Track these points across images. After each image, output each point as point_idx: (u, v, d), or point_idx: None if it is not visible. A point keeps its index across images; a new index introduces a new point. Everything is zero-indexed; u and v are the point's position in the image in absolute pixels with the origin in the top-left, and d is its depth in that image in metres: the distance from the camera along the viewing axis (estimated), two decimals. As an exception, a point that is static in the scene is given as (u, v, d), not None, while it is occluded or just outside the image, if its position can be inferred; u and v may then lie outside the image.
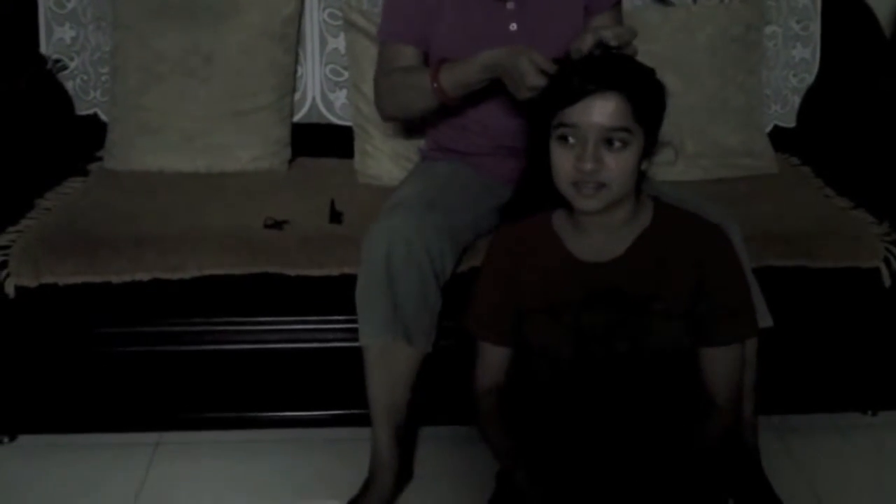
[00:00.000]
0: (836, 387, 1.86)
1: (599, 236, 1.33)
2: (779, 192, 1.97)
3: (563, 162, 1.27)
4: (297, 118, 2.13)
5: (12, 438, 1.82)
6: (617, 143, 1.25)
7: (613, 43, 1.33)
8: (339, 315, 1.68)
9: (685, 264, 1.30)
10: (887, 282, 1.74)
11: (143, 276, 1.66)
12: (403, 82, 1.68)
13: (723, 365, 1.33)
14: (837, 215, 1.87)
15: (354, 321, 1.55)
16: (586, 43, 1.34)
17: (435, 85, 1.60)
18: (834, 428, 1.88)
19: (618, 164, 1.25)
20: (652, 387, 1.32)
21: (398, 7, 1.74)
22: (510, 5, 1.69)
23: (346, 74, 2.11)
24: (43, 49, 2.09)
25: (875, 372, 1.84)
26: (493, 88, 1.59)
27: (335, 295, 1.64)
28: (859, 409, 1.91)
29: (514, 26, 1.68)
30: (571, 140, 1.26)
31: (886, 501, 1.71)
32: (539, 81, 1.38)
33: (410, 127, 1.94)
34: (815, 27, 2.19)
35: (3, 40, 2.05)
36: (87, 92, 2.12)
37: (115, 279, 1.66)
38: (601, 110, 1.23)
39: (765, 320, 1.55)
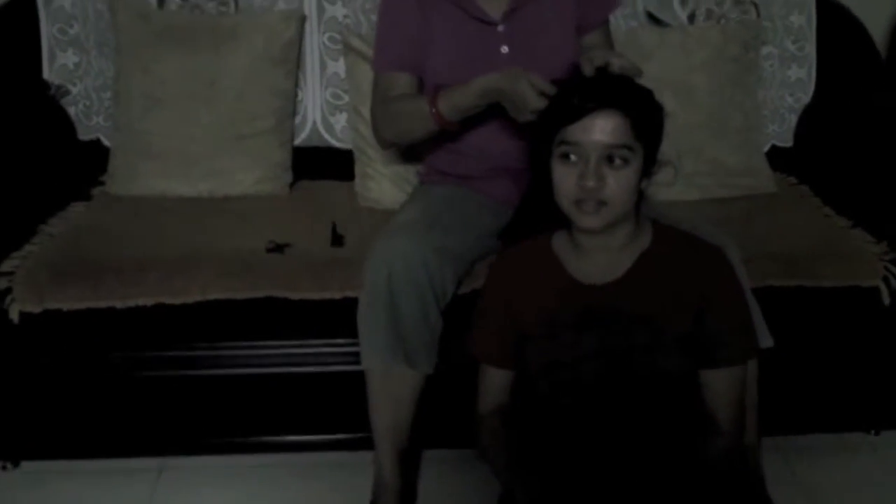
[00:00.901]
0: (838, 406, 1.85)
1: (600, 258, 1.34)
2: (777, 211, 1.97)
3: (564, 179, 1.28)
4: (297, 142, 2.14)
5: (16, 465, 1.82)
6: (618, 161, 1.26)
7: (617, 72, 1.35)
8: (342, 338, 1.68)
9: (685, 286, 1.31)
10: (887, 300, 1.74)
11: (147, 301, 1.66)
12: (401, 110, 1.70)
13: (724, 386, 1.33)
14: (836, 234, 1.87)
15: (356, 344, 1.56)
16: (596, 63, 1.36)
17: (433, 111, 1.61)
18: (837, 448, 1.88)
19: (618, 182, 1.26)
20: (653, 408, 1.33)
21: (390, 37, 1.76)
22: (501, 28, 1.70)
23: (346, 98, 2.12)
24: (46, 75, 2.11)
25: (877, 391, 1.84)
26: (488, 111, 1.61)
27: (337, 318, 1.64)
28: (862, 428, 1.91)
29: (505, 49, 1.70)
30: (573, 158, 1.27)
31: (890, 520, 1.72)
32: (540, 104, 1.40)
33: (410, 150, 1.95)
34: (811, 47, 2.21)
35: (6, 66, 2.06)
36: (89, 117, 2.13)
37: (118, 304, 1.66)
38: (602, 128, 1.25)
39: (766, 341, 1.56)
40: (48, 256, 1.73)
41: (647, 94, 1.32)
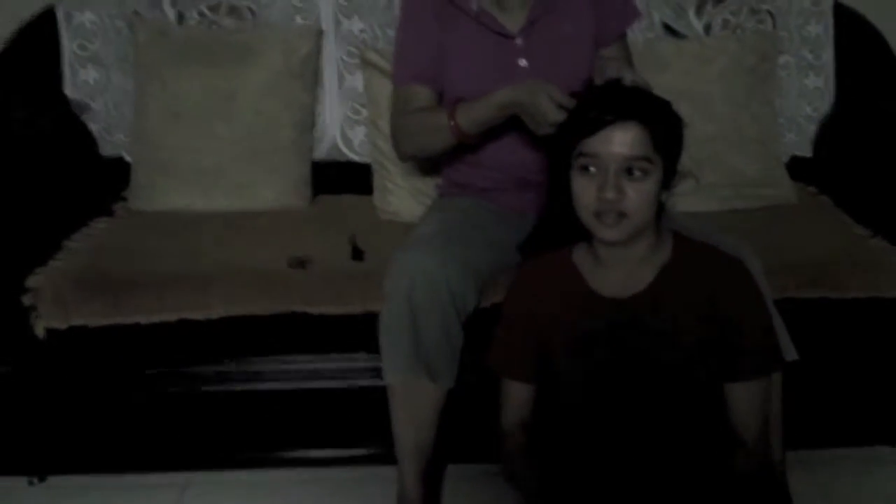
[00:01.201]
0: (863, 419, 1.84)
1: (621, 271, 1.34)
2: (798, 221, 1.97)
3: (584, 192, 1.28)
4: (316, 156, 2.15)
5: (42, 479, 1.83)
6: (637, 173, 1.26)
7: (629, 85, 1.36)
8: (363, 353, 1.69)
9: (707, 299, 1.31)
10: (910, 311, 1.73)
11: (170, 317, 1.67)
12: (421, 123, 1.71)
13: (749, 400, 1.33)
14: (858, 244, 1.86)
15: (378, 359, 1.56)
16: (608, 76, 1.37)
17: (452, 124, 1.62)
18: (863, 461, 1.86)
19: (638, 194, 1.26)
20: (678, 422, 1.33)
21: (410, 50, 1.77)
22: (518, 41, 1.71)
23: (365, 112, 2.13)
24: (67, 91, 2.13)
25: (901, 403, 1.83)
26: (506, 124, 1.62)
27: (359, 333, 1.65)
28: (888, 442, 1.88)
29: (523, 62, 1.70)
30: (592, 170, 1.27)
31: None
32: (560, 117, 1.40)
33: (429, 163, 1.96)
34: (829, 56, 2.20)
35: (28, 83, 2.09)
36: (111, 133, 2.15)
37: (142, 320, 1.67)
38: (621, 140, 1.25)
39: (790, 353, 1.55)
40: (73, 273, 1.74)
41: (665, 106, 1.33)
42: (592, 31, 1.74)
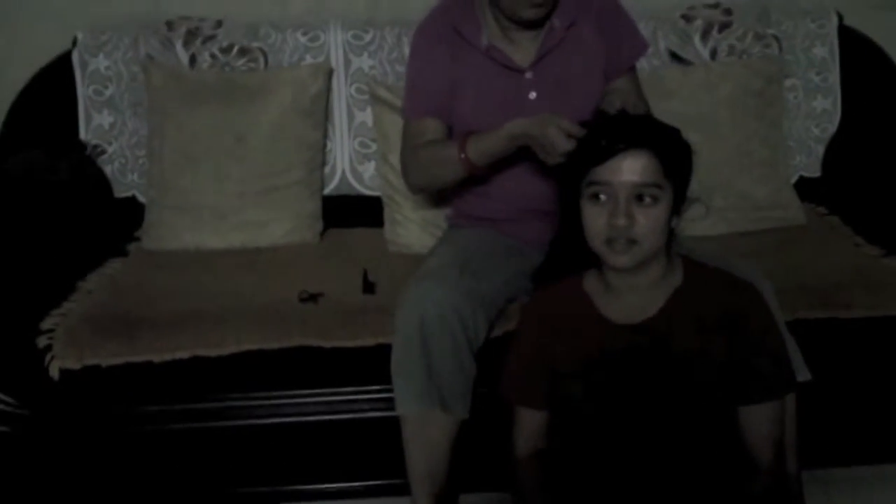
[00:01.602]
0: (877, 438, 1.82)
1: (632, 297, 1.34)
2: (808, 242, 1.97)
3: (595, 220, 1.29)
4: (327, 191, 2.18)
5: (59, 520, 1.83)
6: (647, 199, 1.27)
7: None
8: (375, 385, 1.69)
9: (719, 323, 1.30)
10: (922, 330, 1.72)
11: (183, 355, 1.68)
12: (431, 156, 1.72)
13: (763, 422, 1.32)
14: (868, 264, 1.86)
15: (390, 391, 1.56)
16: (614, 108, 1.40)
17: (462, 156, 1.63)
18: (877, 479, 1.85)
19: (648, 221, 1.27)
20: (693, 446, 1.31)
21: (421, 84, 1.78)
22: (528, 75, 1.72)
23: (374, 146, 2.15)
24: (83, 135, 2.17)
25: (915, 422, 1.81)
26: (516, 154, 1.63)
27: (371, 365, 1.65)
28: (902, 459, 1.88)
29: (533, 94, 1.72)
30: (603, 198, 1.28)
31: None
32: (569, 146, 1.41)
33: (439, 194, 1.97)
34: (835, 78, 2.21)
35: (46, 128, 2.13)
36: (125, 175, 2.18)
37: (155, 358, 1.68)
38: (631, 167, 1.26)
39: (803, 374, 1.54)
40: (87, 313, 1.76)
41: (674, 133, 1.33)
42: (602, 64, 1.75)
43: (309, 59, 2.17)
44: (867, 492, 1.82)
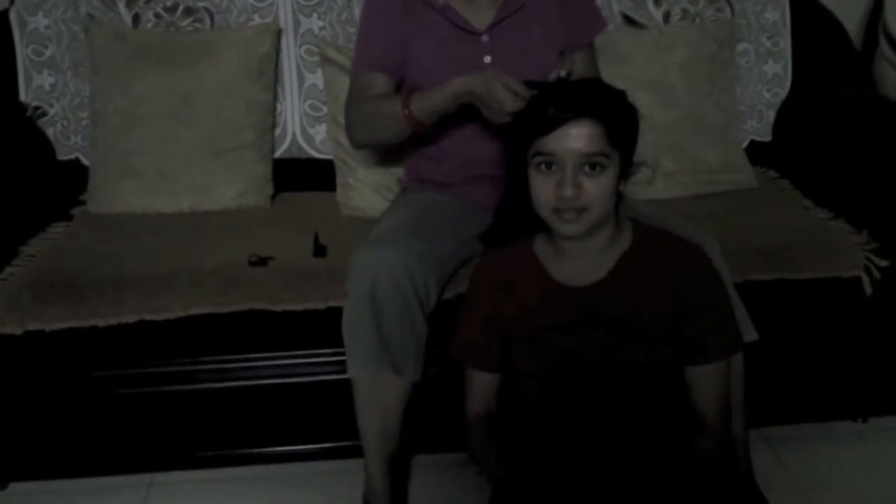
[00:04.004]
0: (824, 396, 1.87)
1: (581, 260, 1.34)
2: (758, 206, 1.98)
3: (542, 189, 1.29)
4: (278, 154, 2.15)
5: (3, 486, 1.81)
6: (595, 168, 1.26)
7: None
8: (327, 348, 1.68)
9: (666, 285, 1.31)
10: (868, 290, 1.75)
11: (130, 319, 1.65)
12: (375, 110, 1.70)
13: (710, 382, 1.33)
14: (817, 226, 1.88)
15: (342, 354, 1.56)
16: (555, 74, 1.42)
17: (406, 111, 1.61)
18: (825, 437, 1.89)
19: (597, 188, 1.27)
20: (640, 405, 1.33)
21: (371, 37, 1.75)
22: (485, 38, 1.70)
23: (325, 109, 2.12)
24: (22, 97, 2.10)
25: (862, 379, 1.85)
26: (466, 117, 1.61)
27: (322, 328, 1.64)
28: (849, 416, 1.92)
29: (488, 59, 1.70)
30: (550, 168, 1.27)
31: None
32: (516, 105, 1.40)
33: (391, 158, 1.96)
34: (786, 42, 2.23)
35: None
36: (67, 137, 2.13)
37: (101, 322, 1.65)
38: (577, 137, 1.25)
39: (750, 335, 1.56)
40: (29, 277, 1.72)
41: (620, 98, 1.33)
42: (560, 38, 1.74)
43: (257, 20, 2.13)
44: (813, 448, 1.86)
